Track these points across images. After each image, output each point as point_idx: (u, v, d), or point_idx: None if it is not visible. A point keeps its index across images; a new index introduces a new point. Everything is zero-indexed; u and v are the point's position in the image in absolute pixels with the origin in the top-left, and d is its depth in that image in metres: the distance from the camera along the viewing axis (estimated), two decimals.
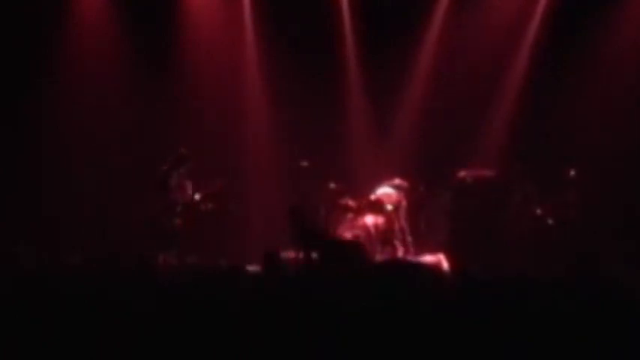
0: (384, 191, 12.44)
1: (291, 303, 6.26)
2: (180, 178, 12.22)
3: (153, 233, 11.92)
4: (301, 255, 10.99)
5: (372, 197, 12.41)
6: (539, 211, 12.01)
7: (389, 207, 12.42)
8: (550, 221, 11.98)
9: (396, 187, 12.55)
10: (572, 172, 12.10)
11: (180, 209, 12.19)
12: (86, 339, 5.77)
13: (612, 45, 12.77)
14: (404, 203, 12.48)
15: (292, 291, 6.76)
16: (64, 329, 5.89)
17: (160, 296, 6.53)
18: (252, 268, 9.44)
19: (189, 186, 12.32)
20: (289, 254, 11.61)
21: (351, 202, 12.52)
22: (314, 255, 10.65)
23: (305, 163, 12.62)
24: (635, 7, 12.85)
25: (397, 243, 12.18)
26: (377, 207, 12.40)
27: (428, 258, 12.11)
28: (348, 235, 12.18)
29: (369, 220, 12.29)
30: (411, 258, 12.12)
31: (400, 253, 12.17)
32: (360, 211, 12.44)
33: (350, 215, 12.46)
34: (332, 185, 12.76)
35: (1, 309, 6.26)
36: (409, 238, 12.36)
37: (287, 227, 11.16)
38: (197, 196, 12.54)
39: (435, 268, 11.35)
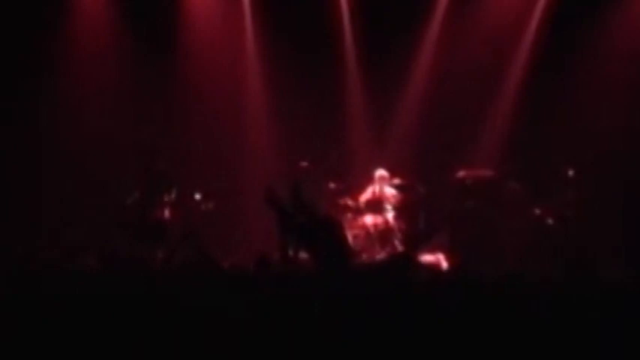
0: (386, 190, 12.48)
1: (283, 303, 6.28)
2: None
3: (142, 230, 11.91)
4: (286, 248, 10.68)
5: (371, 192, 12.46)
6: (537, 211, 12.02)
7: (388, 207, 12.44)
8: (549, 221, 11.98)
9: (396, 187, 12.57)
10: (571, 172, 12.10)
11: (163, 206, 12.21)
12: (83, 337, 5.80)
13: (613, 43, 12.77)
14: (403, 203, 12.50)
15: (283, 291, 6.77)
16: (62, 328, 5.92)
17: (154, 293, 6.56)
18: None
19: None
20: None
21: (350, 202, 12.54)
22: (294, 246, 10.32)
23: (305, 163, 12.61)
24: (636, 6, 12.85)
25: (397, 243, 12.19)
26: (377, 207, 12.42)
27: (428, 258, 12.12)
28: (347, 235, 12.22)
29: (369, 219, 12.31)
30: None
31: None
32: (359, 211, 12.46)
33: (349, 215, 12.48)
34: (332, 185, 12.77)
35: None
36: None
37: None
38: (197, 196, 12.56)
39: (435, 267, 11.38)
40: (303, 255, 10.20)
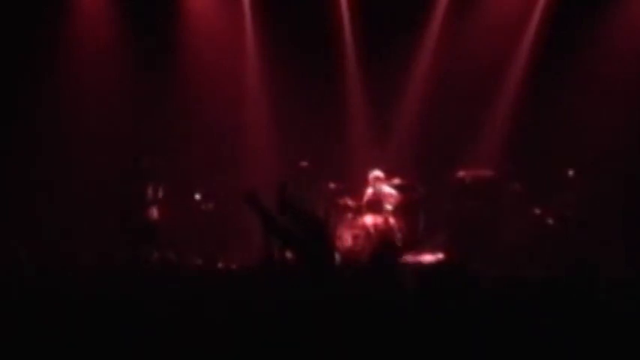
0: (384, 190, 12.47)
1: (282, 302, 6.28)
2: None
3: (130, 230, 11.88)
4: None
5: (371, 193, 12.45)
6: (538, 211, 12.01)
7: (388, 207, 12.43)
8: (549, 221, 11.98)
9: (396, 187, 12.56)
10: (571, 172, 12.09)
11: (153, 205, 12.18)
12: (82, 337, 5.80)
13: (613, 43, 12.76)
14: (403, 203, 12.49)
15: (282, 290, 6.77)
16: (61, 328, 5.92)
17: (154, 294, 6.56)
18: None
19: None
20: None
21: (350, 202, 12.54)
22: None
23: (305, 163, 12.61)
24: (636, 6, 12.84)
25: (397, 243, 12.18)
26: (376, 207, 12.42)
27: (427, 258, 12.12)
28: (347, 235, 12.22)
29: (369, 220, 12.31)
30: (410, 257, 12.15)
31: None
32: (359, 211, 12.46)
33: (349, 215, 12.48)
34: (332, 185, 12.77)
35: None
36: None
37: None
38: (197, 196, 12.56)
39: (434, 267, 11.37)
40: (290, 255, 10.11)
